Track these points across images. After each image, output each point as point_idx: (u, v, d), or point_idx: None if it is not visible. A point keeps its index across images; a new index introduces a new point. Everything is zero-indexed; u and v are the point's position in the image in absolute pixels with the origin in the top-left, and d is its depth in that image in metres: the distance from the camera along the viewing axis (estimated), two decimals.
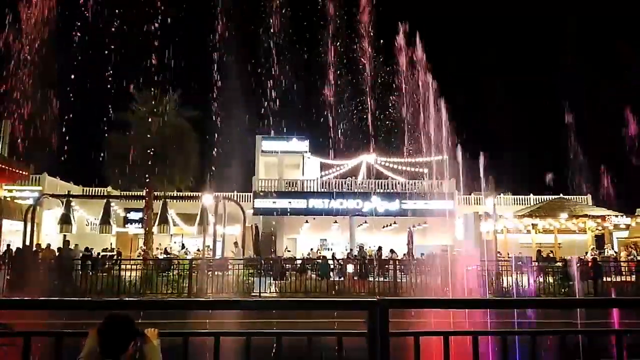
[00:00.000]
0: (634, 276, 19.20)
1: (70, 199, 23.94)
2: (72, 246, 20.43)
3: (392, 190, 30.45)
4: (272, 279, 18.59)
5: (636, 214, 26.47)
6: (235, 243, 23.69)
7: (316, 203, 29.36)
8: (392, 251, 24.60)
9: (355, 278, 18.70)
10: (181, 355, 3.05)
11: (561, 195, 31.68)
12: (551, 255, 24.81)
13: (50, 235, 27.17)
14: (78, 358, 2.80)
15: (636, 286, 18.11)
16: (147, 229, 22.13)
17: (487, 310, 11.22)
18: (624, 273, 19.86)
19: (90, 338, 2.84)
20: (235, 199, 27.75)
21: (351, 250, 25.05)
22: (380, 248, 23.79)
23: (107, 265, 19.13)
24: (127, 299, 12.74)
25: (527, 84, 68.63)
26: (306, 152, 33.32)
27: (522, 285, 17.74)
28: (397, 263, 19.44)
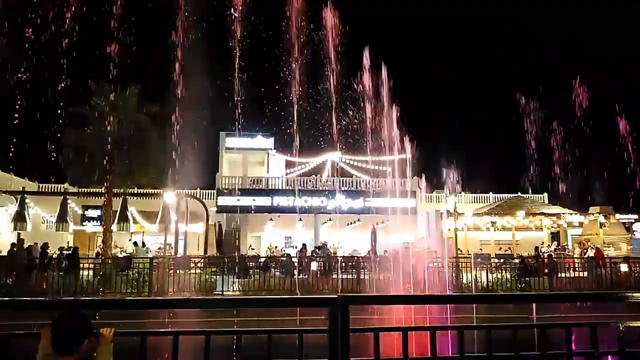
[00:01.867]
0: (586, 272, 20.00)
1: (25, 195, 23.06)
2: (27, 245, 19.72)
3: (356, 188, 30.70)
4: (235, 277, 18.43)
5: (589, 212, 27.55)
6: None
7: (281, 201, 29.29)
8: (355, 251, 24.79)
9: (319, 275, 18.76)
10: (139, 356, 2.99)
11: (519, 193, 32.71)
12: (509, 252, 25.60)
13: (3, 234, 26.12)
14: None
15: (588, 281, 18.87)
16: (105, 226, 21.54)
17: (447, 306, 11.48)
18: (577, 269, 20.66)
19: (43, 339, 2.75)
20: (198, 196, 27.38)
21: (315, 247, 25.11)
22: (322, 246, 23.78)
23: (64, 264, 18.53)
24: (83, 298, 12.39)
25: (487, 89, 70.37)
26: (271, 149, 33.16)
27: (480, 281, 18.21)
28: (360, 260, 19.63)
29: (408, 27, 77.39)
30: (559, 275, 19.29)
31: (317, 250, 23.16)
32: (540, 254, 23.45)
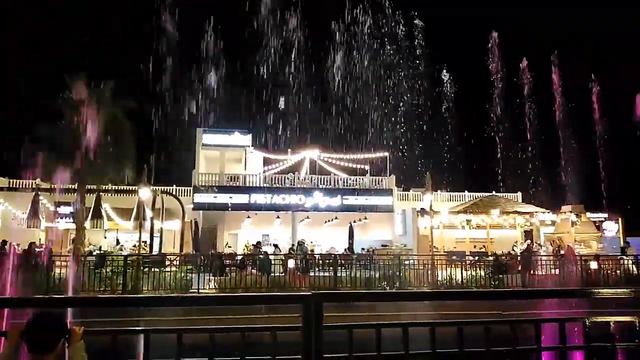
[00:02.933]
0: (557, 270, 20.43)
1: None
2: None
3: (334, 186, 30.79)
4: (211, 275, 18.29)
5: (561, 210, 28.18)
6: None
7: (258, 198, 29.18)
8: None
9: (298, 273, 18.75)
10: (111, 355, 2.94)
11: (493, 192, 33.27)
12: (483, 249, 26.01)
13: None
14: None
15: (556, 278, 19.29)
16: (78, 223, 21.11)
17: (423, 303, 11.60)
18: (549, 266, 21.08)
19: (10, 338, 2.69)
20: (174, 193, 27.07)
21: (293, 245, 25.11)
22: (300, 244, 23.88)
23: (34, 262, 18.10)
24: (56, 296, 12.13)
25: (463, 85, 71.15)
26: (249, 146, 32.99)
27: (455, 278, 18.45)
28: (338, 258, 19.69)
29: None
30: (532, 272, 19.67)
31: (294, 248, 23.18)
32: (512, 252, 23.91)
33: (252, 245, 23.95)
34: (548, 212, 27.90)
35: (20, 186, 29.69)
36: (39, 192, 24.11)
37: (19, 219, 28.09)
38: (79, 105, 20.71)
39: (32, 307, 2.93)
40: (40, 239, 27.56)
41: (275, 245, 23.80)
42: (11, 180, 30.84)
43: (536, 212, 27.92)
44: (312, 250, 24.85)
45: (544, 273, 19.54)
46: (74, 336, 2.75)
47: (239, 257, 20.67)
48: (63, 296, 11.87)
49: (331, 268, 18.91)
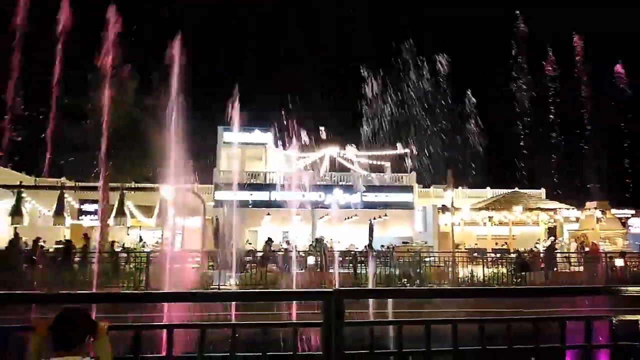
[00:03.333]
0: (582, 267, 20.09)
1: (22, 190, 22.99)
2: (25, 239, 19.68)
3: (354, 183, 30.73)
4: (232, 271, 18.44)
5: (586, 207, 27.64)
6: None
7: (278, 195, 29.29)
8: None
9: (318, 270, 18.79)
10: (134, 349, 3.00)
11: (516, 189, 32.76)
12: (505, 246, 25.68)
13: (0, 228, 26.05)
14: (27, 355, 2.70)
15: (585, 275, 18.95)
16: (103, 221, 21.50)
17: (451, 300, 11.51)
18: (573, 263, 20.75)
19: (37, 332, 2.75)
20: (195, 190, 27.32)
21: (312, 242, 25.15)
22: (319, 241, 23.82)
23: (60, 258, 18.53)
24: (81, 291, 12.41)
25: (483, 82, 70.32)
26: (269, 144, 33.13)
27: (476, 276, 18.27)
28: (357, 255, 19.67)
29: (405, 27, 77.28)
30: (555, 269, 19.37)
31: (313, 245, 23.21)
32: (535, 249, 23.56)
33: (264, 242, 24.07)
34: (572, 209, 27.41)
35: (46, 185, 30.34)
36: (64, 190, 24.56)
37: (44, 217, 28.72)
38: (102, 104, 21.06)
39: (57, 303, 2.97)
40: (64, 236, 28.12)
41: (317, 241, 23.71)
42: (37, 179, 31.52)
43: (560, 208, 27.44)
44: (331, 248, 24.87)
45: (568, 270, 19.22)
46: (100, 331, 2.80)
47: (259, 254, 20.79)
48: (88, 292, 12.13)
49: (351, 265, 18.89)
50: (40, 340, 2.72)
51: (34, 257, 17.92)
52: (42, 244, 20.23)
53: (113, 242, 20.61)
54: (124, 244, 26.31)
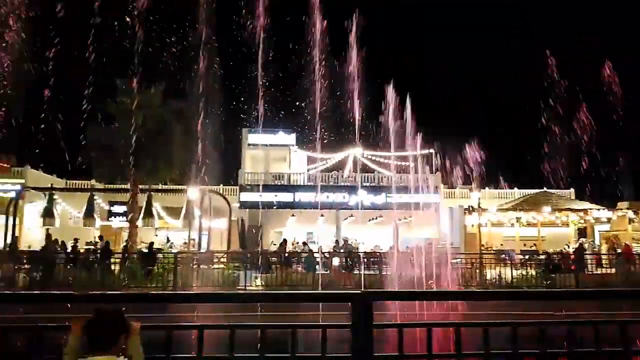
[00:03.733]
0: (613, 269, 19.57)
1: (53, 192, 23.61)
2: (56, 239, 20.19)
3: (378, 184, 30.58)
4: (257, 272, 18.57)
5: (618, 207, 26.90)
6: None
7: (302, 196, 29.37)
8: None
9: (343, 271, 18.77)
10: (165, 349, 3.04)
11: (545, 189, 32.06)
12: (534, 248, 25.19)
13: (32, 229, 26.79)
14: (63, 354, 2.76)
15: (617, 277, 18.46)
16: (131, 222, 21.92)
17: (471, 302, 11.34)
18: (604, 265, 20.23)
19: (73, 332, 2.81)
20: (221, 192, 27.62)
21: (337, 242, 25.13)
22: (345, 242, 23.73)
23: (91, 259, 18.96)
24: (111, 292, 12.65)
25: (508, 79, 69.27)
26: (293, 145, 33.27)
27: (504, 278, 17.97)
28: (383, 256, 19.56)
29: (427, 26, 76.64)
30: (586, 272, 18.92)
31: (337, 246, 23.18)
32: (564, 250, 23.06)
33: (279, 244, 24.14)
34: (603, 209, 26.71)
35: (77, 187, 31.12)
36: (94, 192, 25.14)
37: (75, 218, 29.44)
38: (130, 108, 21.50)
39: (89, 303, 3.03)
40: (94, 237, 28.77)
41: (344, 242, 23.76)
42: (68, 181, 32.35)
43: (590, 209, 26.77)
44: (356, 249, 24.80)
45: (599, 272, 18.75)
46: (132, 331, 2.84)
47: (284, 255, 20.87)
48: (119, 292, 12.35)
49: (376, 266, 18.81)
50: (76, 340, 2.78)
51: (71, 256, 18.37)
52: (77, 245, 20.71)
53: (107, 242, 20.92)
54: (151, 244, 26.74)
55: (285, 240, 23.54)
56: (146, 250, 20.37)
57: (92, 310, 2.82)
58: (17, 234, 21.96)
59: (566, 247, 24.79)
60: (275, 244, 28.33)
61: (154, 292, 15.01)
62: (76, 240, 20.24)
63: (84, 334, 2.77)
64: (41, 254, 18.42)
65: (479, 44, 74.07)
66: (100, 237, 21.63)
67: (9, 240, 20.65)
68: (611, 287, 17.13)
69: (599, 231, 28.91)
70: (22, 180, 28.18)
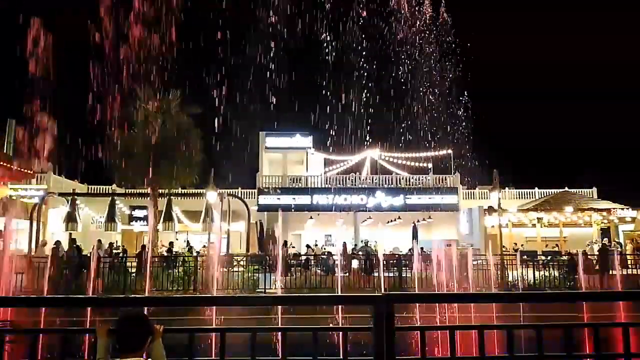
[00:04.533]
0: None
1: (75, 197, 24.01)
2: (79, 243, 20.46)
3: (396, 186, 30.43)
4: (276, 275, 18.60)
5: None
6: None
7: (320, 199, 29.38)
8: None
9: (362, 273, 18.69)
10: (187, 352, 3.07)
11: (566, 188, 31.55)
12: (556, 248, 24.77)
13: (56, 234, 27.27)
14: (97, 357, 2.82)
15: None
16: (152, 226, 22.15)
17: (493, 304, 11.21)
18: (630, 266, 19.79)
19: (100, 336, 2.86)
20: (239, 195, 27.79)
21: (355, 245, 25.06)
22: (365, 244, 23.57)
23: (116, 262, 19.20)
24: (134, 295, 12.79)
25: (533, 80, 68.36)
26: (310, 148, 33.32)
27: (527, 279, 17.70)
28: (402, 258, 19.44)
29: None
30: (610, 272, 18.53)
31: (355, 249, 23.10)
32: (586, 250, 22.60)
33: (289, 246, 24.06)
34: (627, 209, 26.15)
35: (98, 192, 31.62)
36: (115, 197, 25.50)
37: (97, 223, 29.93)
38: (150, 114, 21.77)
39: (112, 307, 3.07)
40: (116, 241, 29.18)
41: (365, 245, 23.70)
42: (90, 187, 32.90)
43: (614, 208, 26.23)
44: (375, 251, 24.70)
45: (624, 273, 18.35)
46: (156, 334, 2.89)
47: (303, 258, 20.89)
48: (141, 296, 12.52)
49: (395, 268, 18.70)
50: (105, 342, 2.84)
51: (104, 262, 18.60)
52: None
53: (143, 245, 21.16)
54: (171, 244, 27.01)
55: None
56: (166, 254, 20.59)
57: (119, 314, 2.89)
58: (41, 238, 22.37)
59: (587, 247, 24.32)
60: (294, 247, 28.40)
61: (177, 295, 15.18)
62: (111, 244, 20.46)
63: (110, 337, 2.84)
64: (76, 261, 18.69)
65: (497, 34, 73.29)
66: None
67: (33, 245, 21.07)
68: (637, 289, 16.78)
69: (623, 231, 28.29)
70: (45, 186, 28.73)
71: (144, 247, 20.49)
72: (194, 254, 21.37)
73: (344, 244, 22.43)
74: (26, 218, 22.07)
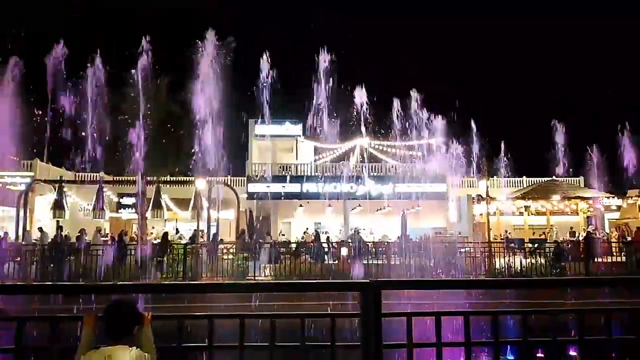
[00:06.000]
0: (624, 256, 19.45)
1: (63, 184, 23.77)
2: (65, 232, 20.36)
3: (385, 174, 30.51)
4: (266, 262, 18.66)
5: (628, 195, 26.67)
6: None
7: (310, 187, 29.38)
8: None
9: (349, 261, 18.81)
10: (176, 338, 3.07)
11: (553, 177, 31.86)
12: (543, 236, 25.09)
13: (43, 221, 27.03)
14: (79, 346, 2.80)
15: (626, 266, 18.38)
16: (140, 214, 22.07)
17: (480, 291, 11.36)
18: (614, 254, 20.11)
19: (87, 323, 2.85)
20: (228, 183, 27.71)
21: (347, 233, 25.15)
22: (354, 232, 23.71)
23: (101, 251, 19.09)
24: (122, 282, 12.74)
25: (516, 68, 68.62)
26: (299, 135, 33.25)
27: (514, 266, 17.94)
28: (391, 246, 19.59)
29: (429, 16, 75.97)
30: (595, 259, 18.83)
31: (350, 235, 23.19)
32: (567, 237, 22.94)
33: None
34: (613, 197, 26.50)
35: (86, 179, 31.32)
36: (103, 184, 25.29)
37: (85, 210, 29.67)
38: (138, 99, 21.57)
39: (101, 295, 3.07)
40: (105, 229, 28.99)
41: (357, 232, 23.77)
42: (77, 174, 32.57)
43: (600, 197, 26.58)
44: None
45: (609, 260, 18.66)
46: (145, 321, 2.89)
47: (293, 245, 20.95)
48: (129, 283, 12.47)
49: (384, 256, 18.84)
50: (91, 332, 2.83)
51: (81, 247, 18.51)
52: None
53: (124, 231, 21.12)
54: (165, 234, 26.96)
55: (357, 230, 23.23)
56: (159, 241, 20.53)
57: (106, 301, 2.88)
58: (27, 226, 22.18)
59: (569, 235, 24.65)
60: (284, 235, 28.45)
61: (165, 282, 15.17)
62: (122, 232, 20.43)
63: (98, 326, 2.83)
64: (52, 246, 18.59)
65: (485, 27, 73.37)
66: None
67: (20, 233, 20.88)
68: (621, 275, 17.08)
69: (609, 219, 28.68)
70: (32, 173, 28.38)
71: (124, 232, 20.42)
72: (184, 242, 21.33)
73: (357, 231, 22.51)
74: (12, 205, 21.84)
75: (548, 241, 21.76)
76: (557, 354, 3.22)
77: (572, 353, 3.55)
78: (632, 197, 26.09)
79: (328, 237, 24.64)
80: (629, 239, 21.62)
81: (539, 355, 3.61)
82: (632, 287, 3.33)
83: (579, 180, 33.47)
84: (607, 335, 3.08)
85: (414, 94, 23.72)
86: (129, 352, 2.73)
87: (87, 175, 31.88)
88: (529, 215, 26.86)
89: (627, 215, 26.13)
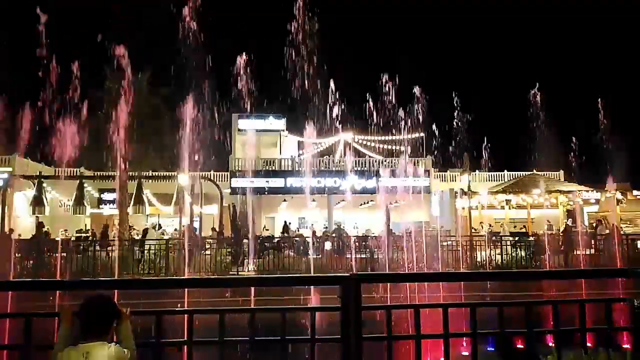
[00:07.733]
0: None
1: (42, 180, 23.38)
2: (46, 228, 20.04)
3: (369, 169, 30.63)
4: (249, 257, 18.61)
5: (606, 189, 27.16)
6: (213, 228, 23.52)
7: (294, 182, 29.36)
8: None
9: (334, 255, 18.87)
10: (155, 334, 3.05)
11: (534, 171, 32.30)
12: (524, 229, 25.45)
13: (22, 218, 26.58)
14: (55, 343, 2.76)
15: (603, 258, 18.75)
16: (121, 209, 21.80)
17: (461, 284, 11.49)
18: (592, 246, 20.48)
19: (64, 319, 2.82)
20: (211, 178, 27.56)
21: (327, 228, 25.20)
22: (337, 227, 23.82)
23: (82, 247, 18.86)
24: (102, 278, 12.60)
25: (497, 63, 69.29)
26: (283, 130, 33.18)
27: (495, 259, 18.18)
28: (374, 240, 19.68)
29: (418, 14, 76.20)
30: (574, 252, 19.16)
31: (328, 232, 23.24)
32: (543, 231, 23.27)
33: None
34: (592, 191, 26.97)
35: (66, 174, 30.80)
36: (83, 180, 24.93)
37: (65, 206, 29.24)
38: (118, 94, 21.23)
39: (81, 290, 3.03)
40: (85, 225, 28.62)
41: (336, 228, 23.79)
42: (57, 169, 32.03)
43: (580, 190, 27.02)
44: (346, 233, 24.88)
45: (587, 253, 19.01)
46: (123, 317, 2.86)
47: (276, 240, 20.93)
48: (110, 279, 12.36)
49: (367, 250, 18.92)
50: (67, 329, 2.79)
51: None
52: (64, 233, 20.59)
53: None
54: (145, 232, 26.72)
55: (339, 224, 23.22)
56: (139, 237, 20.33)
57: (83, 297, 2.83)
58: (7, 222, 21.77)
59: (546, 227, 25.00)
60: (267, 230, 28.41)
61: (145, 278, 15.03)
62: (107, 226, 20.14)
63: (75, 323, 2.79)
64: (32, 243, 18.30)
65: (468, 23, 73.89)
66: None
67: None
68: (599, 267, 17.42)
69: (588, 212, 29.19)
70: (10, 169, 27.84)
71: (107, 227, 20.19)
72: (166, 237, 21.16)
73: (340, 226, 22.52)
74: None
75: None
76: (534, 344, 3.28)
77: (551, 344, 3.63)
78: (610, 191, 26.58)
79: (314, 232, 24.64)
80: (607, 231, 22.02)
81: (519, 345, 3.68)
82: (608, 278, 3.40)
83: (558, 174, 34.00)
84: (581, 326, 3.15)
85: (391, 85, 23.79)
86: (107, 348, 2.70)
87: (67, 170, 31.39)
88: (510, 208, 27.20)
89: (605, 209, 26.62)
